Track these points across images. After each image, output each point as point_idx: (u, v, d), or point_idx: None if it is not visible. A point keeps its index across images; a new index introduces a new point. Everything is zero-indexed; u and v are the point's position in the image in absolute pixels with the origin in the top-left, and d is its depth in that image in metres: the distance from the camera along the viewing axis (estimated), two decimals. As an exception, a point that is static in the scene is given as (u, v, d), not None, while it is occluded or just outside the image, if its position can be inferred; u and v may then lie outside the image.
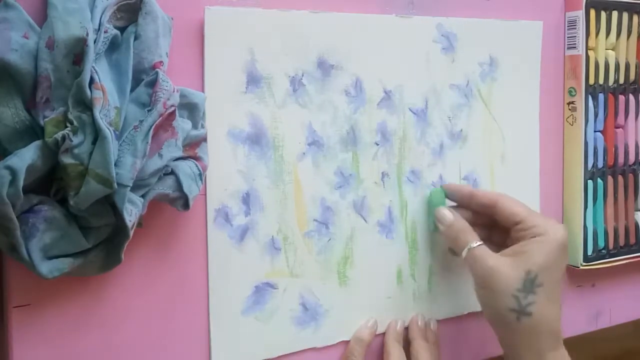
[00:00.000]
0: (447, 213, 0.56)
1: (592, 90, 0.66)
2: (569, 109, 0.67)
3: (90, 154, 0.39)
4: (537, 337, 0.51)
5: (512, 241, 0.54)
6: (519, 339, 0.52)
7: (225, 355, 0.50)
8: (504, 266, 0.52)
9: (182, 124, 0.45)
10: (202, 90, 0.48)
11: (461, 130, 0.60)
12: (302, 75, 0.52)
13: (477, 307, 0.62)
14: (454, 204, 0.58)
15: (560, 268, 0.53)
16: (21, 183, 0.37)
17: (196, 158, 0.46)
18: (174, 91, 0.42)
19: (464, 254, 0.54)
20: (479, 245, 0.54)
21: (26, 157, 0.38)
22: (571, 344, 0.61)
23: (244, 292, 0.51)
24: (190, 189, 0.45)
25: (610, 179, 0.68)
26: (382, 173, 0.57)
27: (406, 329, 0.58)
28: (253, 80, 0.50)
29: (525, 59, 0.64)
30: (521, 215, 0.54)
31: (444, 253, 0.60)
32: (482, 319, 0.62)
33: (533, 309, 0.51)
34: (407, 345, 0.58)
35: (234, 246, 0.50)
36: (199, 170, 0.46)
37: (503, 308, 0.51)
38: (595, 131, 0.67)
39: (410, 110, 0.58)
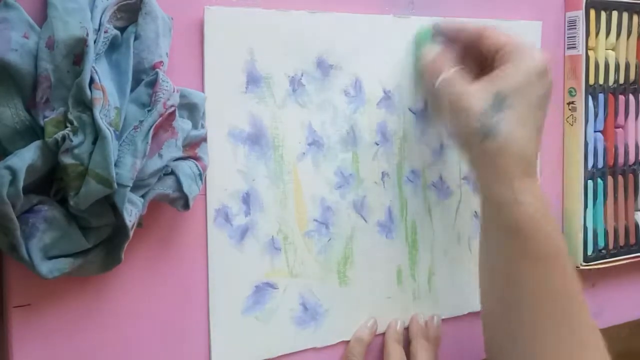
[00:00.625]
0: (429, 50, 0.55)
1: (592, 90, 0.66)
2: (569, 109, 0.67)
3: (90, 154, 0.39)
4: (504, 160, 0.48)
5: (492, 70, 0.51)
6: (486, 162, 0.49)
7: (225, 355, 0.50)
8: (474, 88, 0.49)
9: (182, 124, 0.45)
10: (202, 90, 0.48)
11: (461, 130, 0.60)
12: (302, 75, 0.52)
13: (478, 307, 0.62)
14: (440, 41, 0.57)
15: (535, 92, 0.49)
16: (21, 183, 0.37)
17: (196, 158, 0.47)
18: (174, 91, 0.42)
19: (437, 82, 0.51)
20: (454, 71, 0.51)
21: (26, 157, 0.38)
22: (571, 344, 0.61)
23: (244, 292, 0.51)
24: (191, 189, 0.45)
25: (610, 179, 0.68)
26: (382, 173, 0.57)
27: (406, 329, 0.58)
28: (253, 80, 0.50)
29: (525, 59, 0.64)
30: (502, 42, 0.51)
31: (444, 253, 0.60)
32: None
33: (500, 129, 0.48)
34: (407, 345, 0.58)
35: (234, 246, 0.50)
36: (199, 171, 0.46)
37: (469, 128, 0.49)
38: (595, 131, 0.67)
39: (410, 110, 0.58)
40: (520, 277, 0.49)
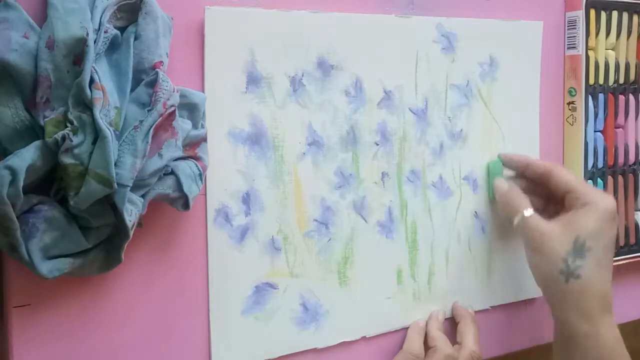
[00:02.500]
0: (502, 182, 0.60)
1: (592, 90, 0.66)
2: (569, 109, 0.67)
3: (91, 154, 0.39)
4: (586, 299, 0.53)
5: (564, 210, 0.56)
6: (569, 301, 0.54)
7: (225, 355, 0.50)
8: (554, 231, 0.54)
9: (182, 124, 0.45)
10: (202, 90, 0.48)
11: (461, 130, 0.60)
12: (302, 75, 0.52)
13: (478, 306, 0.62)
14: (512, 173, 0.61)
15: (608, 235, 0.54)
16: (21, 183, 0.37)
17: (196, 158, 0.46)
18: (174, 91, 0.42)
19: (516, 220, 0.57)
20: (532, 214, 0.56)
21: (26, 157, 0.38)
22: (571, 344, 0.61)
23: (244, 292, 0.51)
24: (191, 189, 0.45)
25: (610, 179, 0.68)
26: (382, 173, 0.57)
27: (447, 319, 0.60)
28: (253, 80, 0.50)
29: (525, 59, 0.64)
30: (572, 184, 0.56)
31: (444, 253, 0.60)
32: (482, 319, 0.62)
33: (582, 272, 0.53)
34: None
35: (234, 246, 0.50)
36: (199, 170, 0.46)
37: (553, 271, 0.54)
38: (595, 131, 0.67)
39: (410, 110, 0.58)
40: None
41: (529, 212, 0.56)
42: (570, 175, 0.57)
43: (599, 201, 0.55)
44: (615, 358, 0.53)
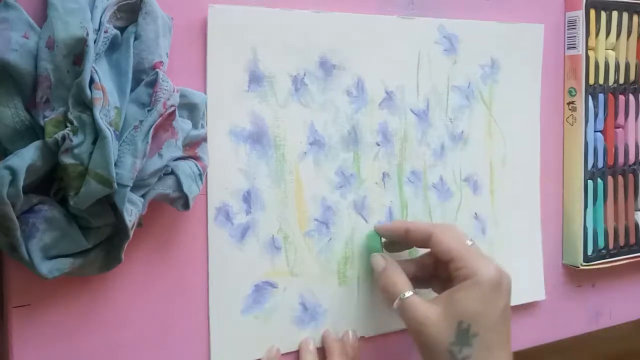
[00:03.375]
0: (379, 260, 0.53)
1: (592, 90, 0.66)
2: (569, 109, 0.67)
3: (91, 154, 0.39)
4: None
5: (450, 284, 0.49)
6: None
7: (224, 354, 0.50)
8: (434, 317, 0.48)
9: (182, 124, 0.45)
10: (205, 88, 0.48)
11: (462, 131, 0.60)
12: (304, 75, 0.52)
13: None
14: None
15: (496, 312, 0.48)
16: (21, 183, 0.37)
17: (196, 158, 0.46)
18: (174, 91, 0.42)
19: (395, 305, 0.50)
20: (411, 295, 0.49)
21: (26, 157, 0.38)
22: (571, 344, 0.61)
23: (243, 291, 0.51)
24: (191, 189, 0.45)
25: (610, 179, 0.68)
26: (383, 173, 0.57)
27: (320, 348, 0.54)
28: (255, 79, 0.50)
29: (526, 62, 0.64)
30: (453, 252, 0.49)
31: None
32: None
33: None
34: None
35: (234, 245, 0.50)
36: (199, 170, 0.46)
37: None
38: (595, 131, 0.67)
39: (412, 111, 0.58)
40: None
41: (408, 293, 0.49)
42: (452, 240, 0.50)
43: (479, 273, 0.48)
44: None
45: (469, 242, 0.50)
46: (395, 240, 0.55)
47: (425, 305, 0.49)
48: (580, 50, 0.65)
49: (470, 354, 0.47)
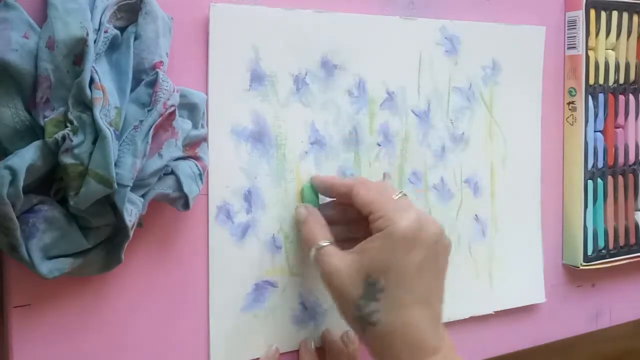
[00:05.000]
0: (302, 209, 0.51)
1: (592, 90, 0.66)
2: (569, 109, 0.67)
3: (91, 154, 0.39)
4: (387, 349, 0.44)
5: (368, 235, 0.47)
6: (371, 350, 0.45)
7: (224, 352, 0.50)
8: (344, 269, 0.45)
9: (182, 124, 0.45)
10: (206, 88, 0.48)
11: (463, 133, 0.60)
12: (306, 75, 0.52)
13: (478, 311, 0.62)
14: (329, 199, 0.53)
15: (409, 266, 0.44)
16: (21, 183, 0.37)
17: (196, 158, 0.46)
18: (174, 91, 0.42)
19: (312, 252, 0.48)
20: (326, 245, 0.47)
21: (26, 157, 0.38)
22: (571, 344, 0.61)
23: (244, 289, 0.51)
24: (191, 189, 0.45)
25: (610, 179, 0.68)
26: (384, 174, 0.57)
27: (319, 348, 0.54)
28: (257, 78, 0.50)
29: (527, 64, 0.64)
30: (372, 205, 0.46)
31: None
32: (484, 324, 0.61)
33: (376, 318, 0.44)
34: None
35: (234, 244, 0.50)
36: (199, 170, 0.46)
37: (349, 316, 0.46)
38: (595, 131, 0.67)
39: (413, 112, 0.58)
40: None
41: (324, 242, 0.47)
42: (372, 192, 0.47)
43: (397, 223, 0.44)
44: None
45: (397, 196, 0.47)
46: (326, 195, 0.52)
47: (338, 257, 0.46)
48: (580, 50, 0.65)
49: (377, 309, 0.44)
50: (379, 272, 0.44)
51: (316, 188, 0.52)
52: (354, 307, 0.44)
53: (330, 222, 0.50)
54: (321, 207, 0.52)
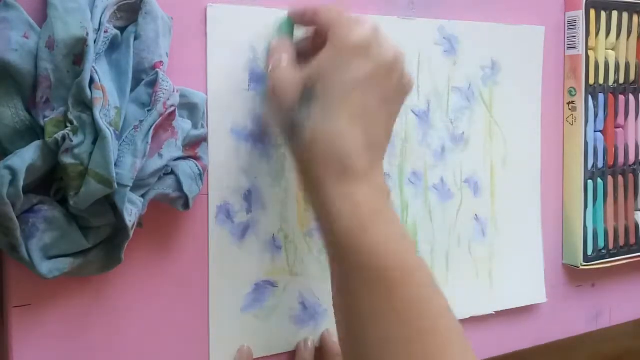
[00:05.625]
0: (273, 41, 0.47)
1: (592, 90, 0.66)
2: (569, 109, 0.67)
3: (91, 154, 0.39)
4: (312, 162, 0.42)
5: None
6: (297, 163, 0.44)
7: (223, 352, 0.50)
8: (292, 78, 0.43)
9: (182, 124, 0.45)
10: (205, 88, 0.48)
11: (463, 133, 0.60)
12: (305, 74, 0.52)
13: (478, 311, 0.62)
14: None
15: (349, 74, 0.41)
16: (21, 183, 0.37)
17: (196, 158, 0.46)
18: (174, 91, 0.42)
19: (269, 68, 0.45)
20: (284, 56, 0.44)
21: (26, 157, 0.38)
22: (571, 344, 0.61)
23: (243, 289, 0.51)
24: (191, 189, 0.45)
25: (610, 179, 0.68)
26: (384, 174, 0.56)
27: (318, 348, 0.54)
28: (256, 78, 0.50)
29: (527, 64, 0.64)
30: (333, 21, 0.43)
31: (444, 255, 0.60)
32: (484, 324, 0.61)
33: (305, 124, 0.42)
34: None
35: (235, 243, 0.50)
36: (199, 170, 0.46)
37: (280, 123, 0.44)
38: (595, 131, 0.67)
39: (413, 111, 0.58)
40: (357, 307, 0.41)
41: (284, 61, 0.44)
42: (334, 12, 0.43)
43: (341, 31, 0.42)
44: (350, 242, 0.40)
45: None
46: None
47: (290, 69, 0.44)
48: (580, 50, 0.65)
49: (308, 116, 0.42)
50: (316, 79, 0.42)
51: (292, 18, 0.48)
52: (288, 112, 0.42)
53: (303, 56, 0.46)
54: (295, 42, 0.48)
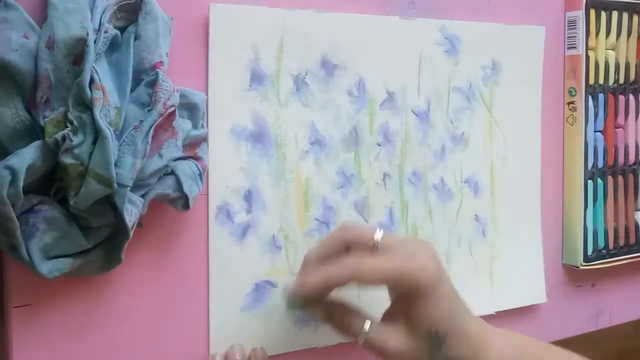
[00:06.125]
0: (318, 312, 0.48)
1: (592, 90, 0.66)
2: (569, 109, 0.67)
3: (91, 154, 0.39)
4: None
5: (393, 296, 0.48)
6: None
7: (223, 352, 0.50)
8: (404, 344, 0.46)
9: (182, 124, 0.45)
10: (206, 88, 0.48)
11: (463, 133, 0.60)
12: (306, 75, 0.52)
13: (478, 311, 0.61)
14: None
15: (447, 289, 0.47)
16: (21, 183, 0.37)
17: (196, 158, 0.46)
18: (174, 91, 0.42)
19: (360, 341, 0.46)
20: (371, 326, 0.46)
21: (26, 157, 0.38)
22: (571, 344, 0.61)
23: (244, 289, 0.51)
24: (191, 189, 0.45)
25: (610, 179, 0.68)
26: (384, 174, 0.57)
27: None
28: (257, 78, 0.50)
29: (527, 64, 0.64)
30: (389, 273, 0.46)
31: (444, 255, 0.60)
32: (488, 321, 0.61)
33: (450, 354, 0.46)
34: None
35: (234, 243, 0.50)
36: (199, 170, 0.46)
37: None
38: (595, 131, 0.67)
39: (413, 112, 0.58)
40: None
41: (368, 326, 0.46)
42: (382, 263, 0.46)
43: (421, 274, 0.45)
44: None
45: (378, 235, 0.46)
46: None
47: (388, 331, 0.46)
48: (580, 50, 0.65)
49: (446, 348, 0.45)
50: (437, 324, 0.45)
51: (304, 298, 0.46)
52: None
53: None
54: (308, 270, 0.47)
